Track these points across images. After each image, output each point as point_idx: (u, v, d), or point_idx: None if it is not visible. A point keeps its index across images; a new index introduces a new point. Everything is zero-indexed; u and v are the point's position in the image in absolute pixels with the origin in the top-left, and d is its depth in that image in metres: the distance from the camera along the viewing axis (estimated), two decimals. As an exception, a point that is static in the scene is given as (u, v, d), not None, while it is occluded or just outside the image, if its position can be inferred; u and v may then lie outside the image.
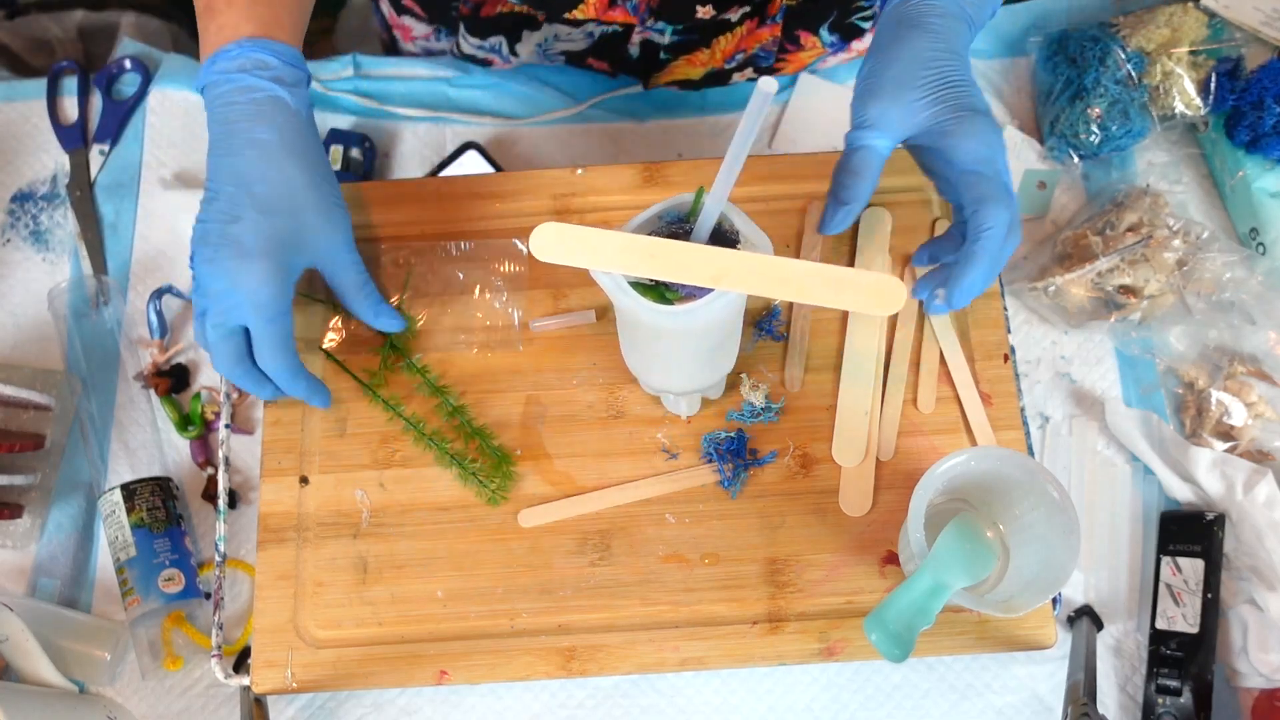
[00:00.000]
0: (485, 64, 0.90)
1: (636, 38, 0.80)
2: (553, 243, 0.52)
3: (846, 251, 0.74)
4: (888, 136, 0.61)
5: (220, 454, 0.73)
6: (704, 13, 0.73)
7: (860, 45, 0.82)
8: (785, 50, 0.80)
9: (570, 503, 0.68)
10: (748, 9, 0.74)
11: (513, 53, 0.85)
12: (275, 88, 0.62)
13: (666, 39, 0.78)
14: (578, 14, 0.74)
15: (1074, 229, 0.80)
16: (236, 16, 0.62)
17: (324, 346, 0.72)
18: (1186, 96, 0.81)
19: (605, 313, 0.72)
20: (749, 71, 0.87)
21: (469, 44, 0.87)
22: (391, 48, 0.99)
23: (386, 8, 0.93)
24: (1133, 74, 0.81)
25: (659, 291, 0.55)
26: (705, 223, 0.54)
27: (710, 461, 0.68)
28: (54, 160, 0.89)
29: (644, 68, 0.84)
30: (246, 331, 0.63)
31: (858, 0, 0.76)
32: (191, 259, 0.62)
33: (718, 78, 0.85)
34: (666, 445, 0.69)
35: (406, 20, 0.91)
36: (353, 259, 0.67)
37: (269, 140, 0.62)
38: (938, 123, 0.60)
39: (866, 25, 0.80)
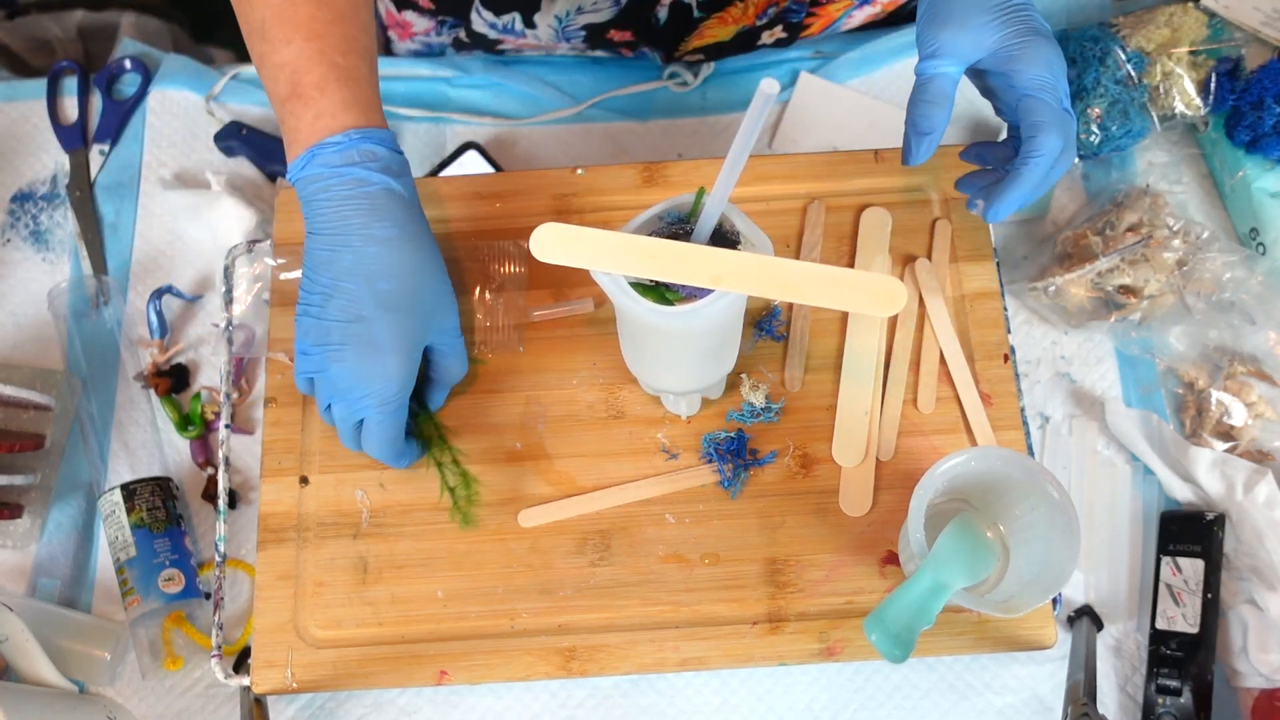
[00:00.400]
0: (494, 45, 0.89)
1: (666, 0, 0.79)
2: (553, 243, 0.52)
3: (847, 251, 0.74)
4: (958, 62, 0.62)
5: (220, 454, 0.73)
6: None
7: None
8: (816, 2, 0.80)
9: (570, 503, 0.68)
10: None
11: (529, 25, 0.84)
12: (388, 179, 0.61)
13: None
14: None
15: (1074, 229, 0.80)
16: (335, 105, 0.61)
17: None
18: (1186, 96, 0.81)
19: (603, 302, 0.72)
20: (779, 30, 0.86)
21: (482, 21, 0.85)
22: (384, 50, 0.99)
23: (383, 6, 0.92)
24: (1133, 74, 0.81)
25: (659, 292, 0.55)
26: (706, 223, 0.54)
27: (710, 462, 0.68)
28: (54, 160, 0.89)
29: (671, 34, 0.83)
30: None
31: None
32: (307, 349, 0.63)
33: (747, 39, 0.84)
34: (666, 445, 0.69)
35: (408, 15, 0.91)
36: (461, 345, 0.67)
37: (390, 236, 0.61)
38: (1004, 46, 0.61)
39: None
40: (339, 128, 0.60)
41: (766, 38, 0.87)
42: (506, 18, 0.84)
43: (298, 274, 0.74)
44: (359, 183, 0.61)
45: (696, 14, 0.80)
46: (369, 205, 0.61)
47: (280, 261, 0.74)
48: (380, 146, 0.62)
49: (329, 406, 0.64)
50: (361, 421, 0.64)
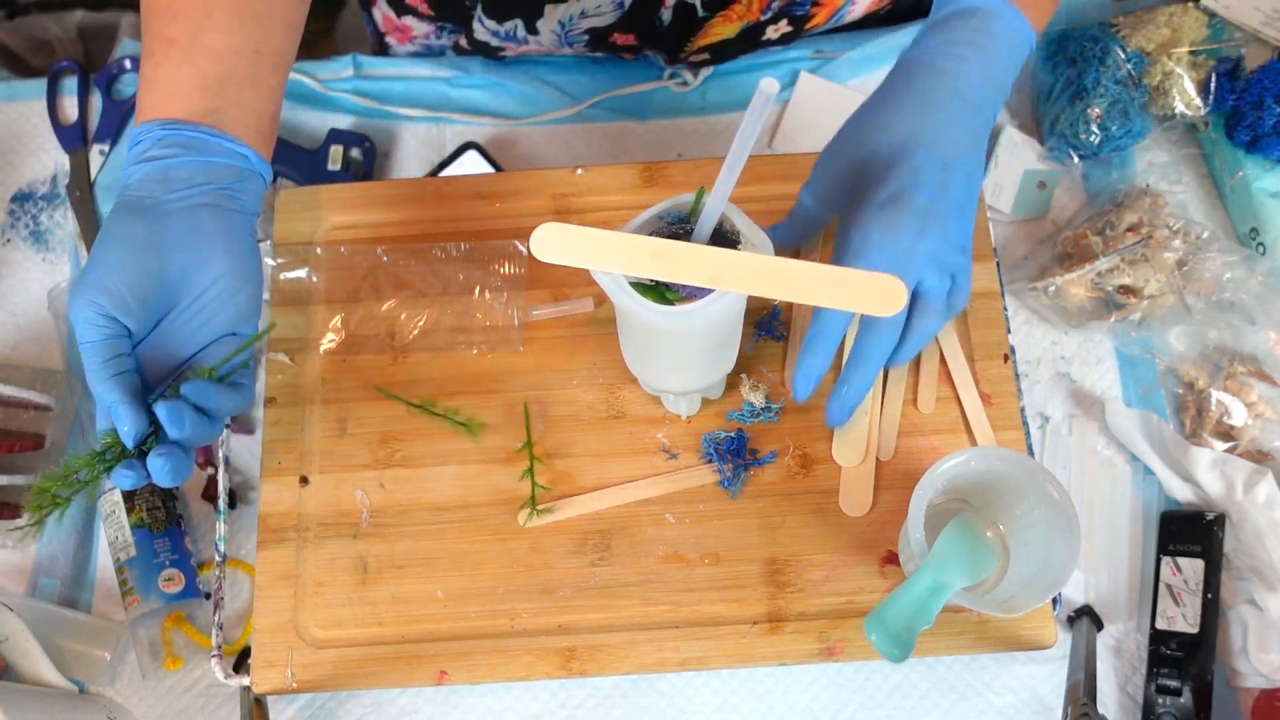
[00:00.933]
0: (496, 51, 0.89)
1: (671, 0, 0.79)
2: (553, 243, 0.52)
3: (846, 251, 0.74)
4: (813, 199, 0.65)
5: (220, 454, 0.73)
6: None
7: None
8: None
9: (571, 502, 0.68)
10: None
11: (532, 31, 0.83)
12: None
13: None
14: None
15: (1074, 229, 0.80)
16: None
17: (322, 349, 0.72)
18: (1186, 96, 0.81)
19: (603, 302, 0.72)
20: (783, 25, 0.86)
21: (484, 29, 0.85)
22: (382, 53, 0.98)
23: (381, 12, 0.92)
24: (1133, 74, 0.81)
25: (659, 292, 0.55)
26: (706, 223, 0.54)
27: (710, 461, 0.68)
28: (54, 160, 0.89)
29: (675, 35, 0.83)
30: None
31: None
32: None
33: (751, 35, 0.84)
34: (666, 445, 0.69)
35: (407, 20, 0.91)
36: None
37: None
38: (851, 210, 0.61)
39: None
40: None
41: (771, 33, 0.87)
42: (509, 25, 0.83)
43: (297, 274, 0.74)
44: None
45: (701, 13, 0.80)
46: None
47: (280, 261, 0.74)
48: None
49: None
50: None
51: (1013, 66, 0.62)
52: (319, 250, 0.74)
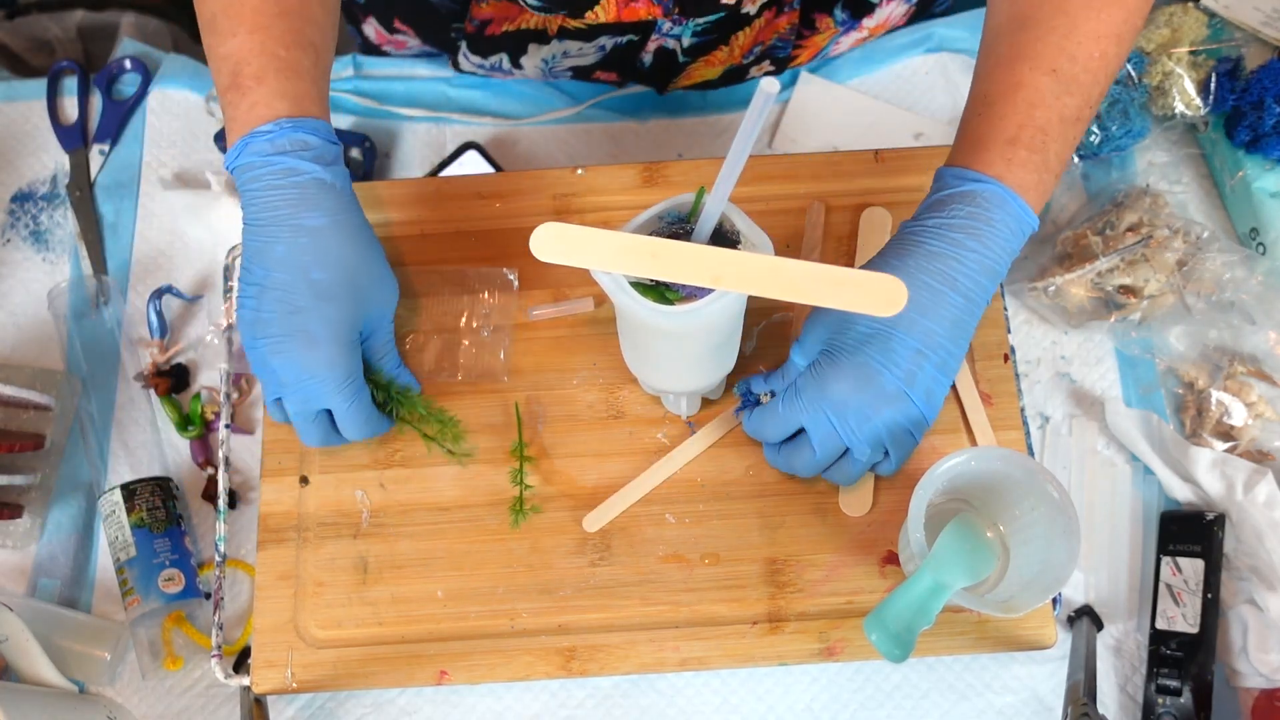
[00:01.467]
0: (484, 78, 0.90)
1: (651, 45, 0.79)
2: (553, 243, 0.52)
3: (846, 251, 0.74)
4: (803, 359, 0.64)
5: (220, 454, 0.73)
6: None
7: (871, 23, 0.82)
8: (801, 36, 0.80)
9: (625, 493, 0.68)
10: (765, 0, 0.74)
11: (516, 65, 0.84)
12: (318, 169, 0.62)
13: (685, 41, 0.77)
14: (598, 12, 0.73)
15: (1074, 229, 0.80)
16: (270, 94, 0.61)
17: None
18: (1186, 96, 0.81)
19: (603, 302, 0.72)
20: (766, 64, 0.86)
21: (469, 62, 0.86)
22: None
23: (372, 29, 0.92)
24: (1133, 74, 0.81)
25: (659, 292, 0.55)
26: (706, 223, 0.54)
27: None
28: (54, 160, 0.89)
29: (657, 76, 0.84)
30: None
31: None
32: (249, 344, 0.63)
33: (735, 74, 0.85)
34: (667, 445, 0.69)
35: (398, 37, 0.91)
36: (390, 324, 0.69)
37: (321, 225, 0.62)
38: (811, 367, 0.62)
39: (877, 1, 0.79)
40: (271, 116, 0.60)
41: (755, 72, 0.87)
42: (494, 58, 0.84)
43: None
44: (288, 172, 0.61)
45: (682, 59, 0.80)
46: (298, 195, 0.61)
47: None
48: (313, 136, 0.62)
49: (278, 400, 0.64)
50: (324, 412, 0.64)
51: (1010, 253, 0.60)
52: None
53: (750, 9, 0.74)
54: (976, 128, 0.62)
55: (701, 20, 0.76)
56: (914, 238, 0.60)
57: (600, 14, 0.73)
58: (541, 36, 0.80)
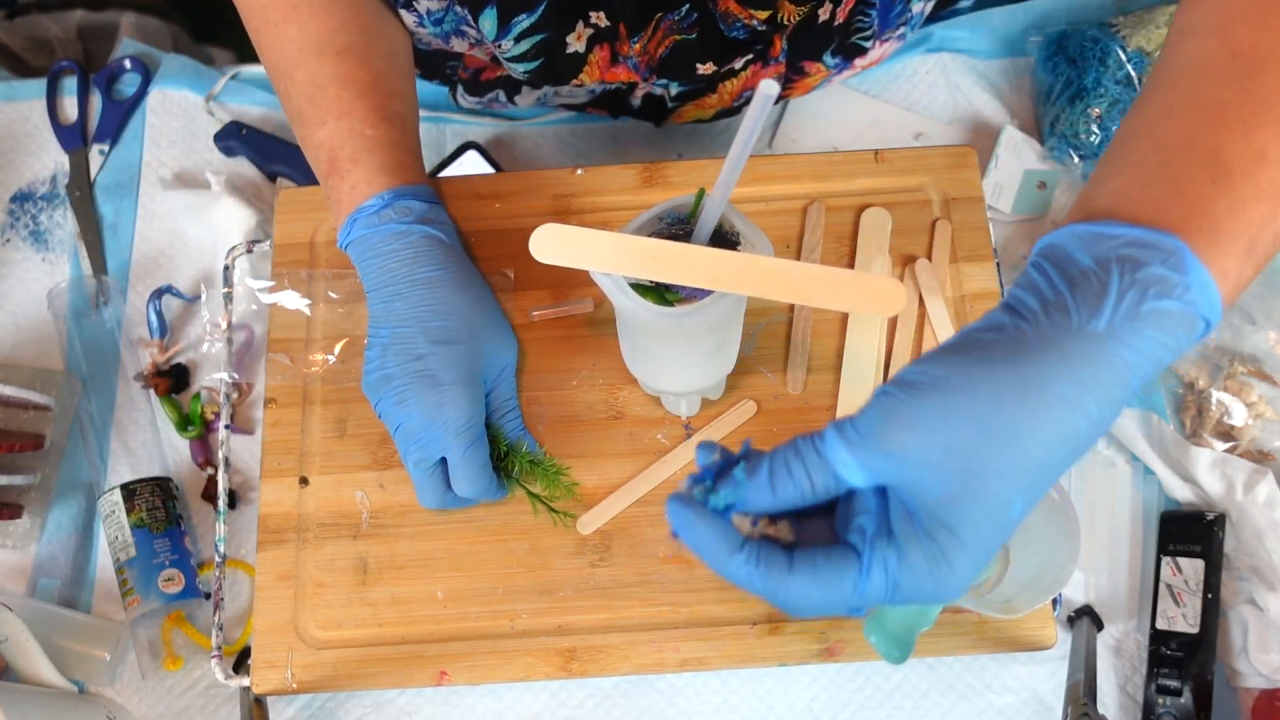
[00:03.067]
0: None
1: (639, 92, 0.79)
2: (553, 243, 0.52)
3: (847, 252, 0.74)
4: (858, 472, 0.41)
5: (220, 454, 0.73)
6: (705, 69, 0.73)
7: (862, 61, 0.82)
8: (790, 80, 0.80)
9: (621, 494, 0.68)
10: (750, 56, 0.74)
11: (512, 103, 0.85)
12: (426, 228, 0.65)
13: (674, 90, 0.78)
14: (583, 78, 0.74)
15: (1074, 229, 0.80)
16: (368, 172, 0.64)
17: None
18: (1187, 96, 0.80)
19: (603, 302, 0.72)
20: None
21: (466, 101, 0.87)
22: None
23: None
24: (1133, 74, 0.80)
25: (659, 293, 0.55)
26: (706, 224, 0.54)
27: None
28: (54, 160, 0.89)
29: (649, 114, 0.84)
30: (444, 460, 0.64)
31: (857, 21, 0.76)
32: (378, 404, 0.64)
33: (725, 115, 0.85)
34: (667, 446, 0.69)
35: None
36: (513, 380, 0.69)
37: (436, 277, 0.64)
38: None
39: (868, 44, 0.79)
40: (372, 193, 0.64)
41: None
42: (490, 95, 0.84)
43: (284, 296, 0.73)
44: (398, 235, 0.64)
45: (670, 104, 0.80)
46: (411, 252, 0.64)
47: (266, 285, 0.73)
48: (415, 201, 0.65)
49: (407, 455, 0.64)
50: (440, 463, 0.64)
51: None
52: (303, 274, 0.74)
53: (736, 64, 0.74)
54: (1206, 194, 0.43)
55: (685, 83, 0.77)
56: (1089, 352, 0.40)
57: (585, 79, 0.74)
58: (534, 82, 0.81)
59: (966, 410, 0.39)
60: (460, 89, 0.86)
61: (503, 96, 0.84)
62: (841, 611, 0.41)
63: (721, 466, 0.43)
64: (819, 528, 0.43)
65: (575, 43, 0.70)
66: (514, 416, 0.68)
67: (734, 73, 0.75)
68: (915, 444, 0.40)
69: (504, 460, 0.67)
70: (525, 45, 0.69)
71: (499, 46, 0.69)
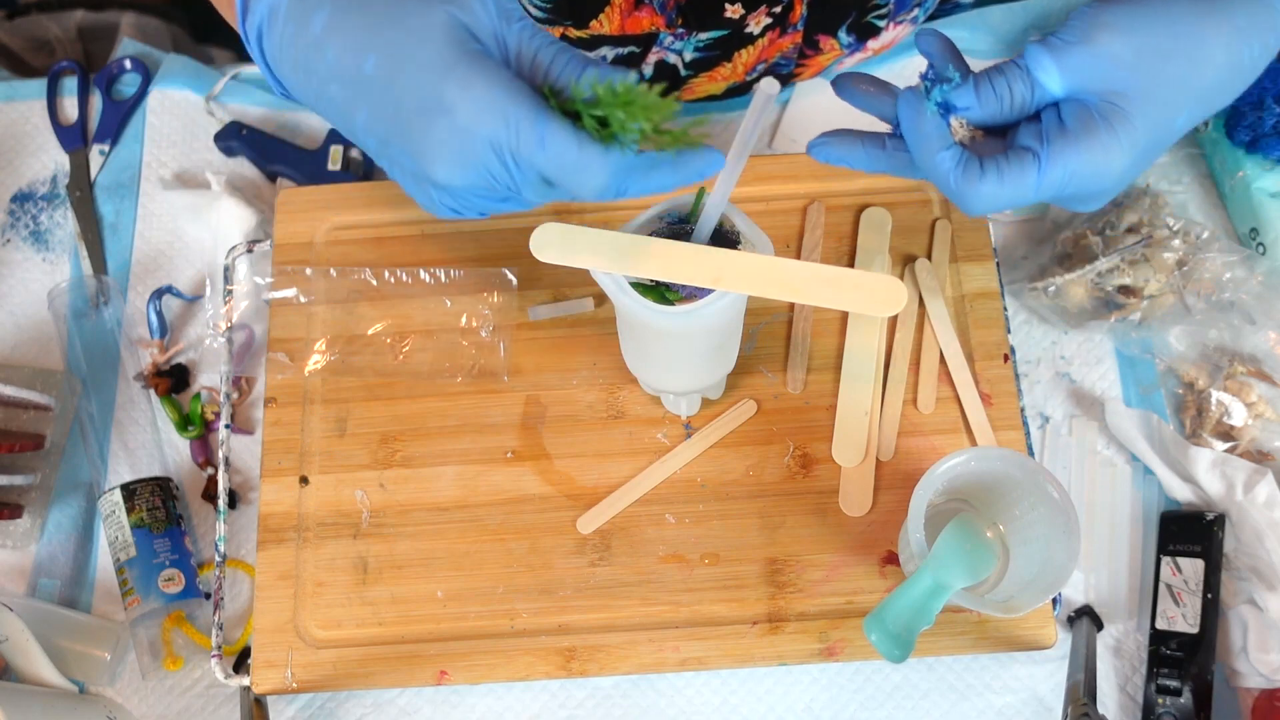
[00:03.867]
0: None
1: (652, 58, 0.79)
2: (553, 243, 0.52)
3: (847, 252, 0.74)
4: (1056, 76, 0.47)
5: (220, 454, 0.73)
6: (733, 11, 0.71)
7: (876, 44, 0.82)
8: (804, 55, 0.80)
9: (620, 494, 0.68)
10: (769, 20, 0.74)
11: None
12: None
13: (687, 56, 0.77)
14: (602, 21, 0.72)
15: (1074, 229, 0.80)
16: None
17: (307, 371, 0.72)
18: (1186, 96, 0.81)
19: (603, 302, 0.72)
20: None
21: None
22: None
23: None
24: (1133, 74, 0.81)
25: (659, 292, 0.55)
26: (706, 223, 0.54)
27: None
28: (54, 160, 0.89)
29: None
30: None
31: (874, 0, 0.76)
32: (387, 165, 0.50)
33: (737, 91, 0.85)
34: (667, 445, 0.69)
35: None
36: (524, 20, 0.50)
37: (323, 29, 0.46)
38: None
39: (882, 24, 0.79)
40: None
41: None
42: None
43: (286, 293, 0.73)
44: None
45: (684, 73, 0.80)
46: (293, 28, 0.48)
47: (269, 280, 0.74)
48: None
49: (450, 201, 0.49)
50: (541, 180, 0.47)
51: None
52: (308, 271, 0.74)
53: (754, 28, 0.74)
54: None
55: (704, 36, 0.76)
56: None
57: (604, 23, 0.72)
58: (551, 21, 0.80)
59: (1163, 19, 0.46)
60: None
61: None
62: (1025, 203, 0.48)
63: (936, 71, 0.49)
64: (993, 147, 0.50)
65: None
66: (561, 53, 0.48)
67: (751, 38, 0.75)
68: (1114, 42, 0.46)
69: (586, 118, 0.46)
70: None
71: None
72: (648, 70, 0.81)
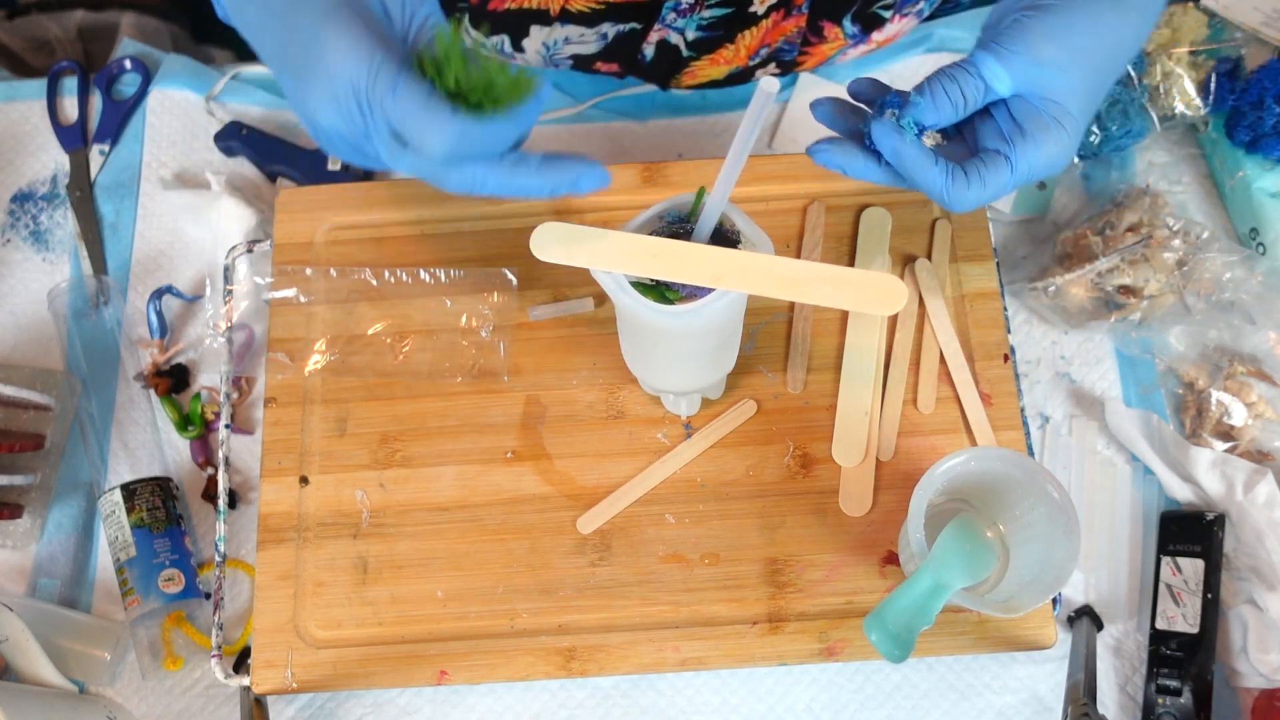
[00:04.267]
0: None
1: (654, 37, 0.79)
2: (553, 242, 0.52)
3: (846, 251, 0.74)
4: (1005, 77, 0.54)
5: (220, 454, 0.73)
6: None
7: (880, 36, 0.82)
8: (808, 42, 0.80)
9: (620, 494, 0.68)
10: (774, 0, 0.74)
11: (518, 49, 0.84)
12: None
13: (690, 35, 0.77)
14: None
15: (1074, 229, 0.80)
16: None
17: (307, 371, 0.72)
18: (1186, 96, 0.81)
19: (603, 302, 0.72)
20: (772, 67, 0.86)
21: (468, 38, 0.86)
22: None
23: None
24: (1132, 74, 0.81)
25: (660, 291, 0.55)
26: (706, 223, 0.54)
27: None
28: (54, 160, 0.89)
29: (659, 71, 0.84)
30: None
31: None
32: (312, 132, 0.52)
33: (739, 78, 0.85)
34: (667, 445, 0.69)
35: None
36: None
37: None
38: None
39: (887, 15, 0.79)
40: None
41: (760, 74, 0.87)
42: (495, 39, 0.84)
43: (286, 293, 0.73)
44: None
45: (685, 53, 0.80)
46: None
47: (269, 280, 0.74)
48: None
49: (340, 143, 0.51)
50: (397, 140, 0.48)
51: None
52: (308, 271, 0.74)
53: (758, 7, 0.74)
54: None
55: (708, 13, 0.76)
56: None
57: None
58: (544, 17, 0.80)
59: (1091, 25, 0.53)
60: (465, 23, 0.83)
61: (507, 44, 0.83)
62: (1001, 196, 0.55)
63: (896, 98, 0.54)
64: (958, 150, 0.57)
65: None
66: (434, 18, 0.51)
67: (755, 19, 0.75)
68: (1052, 50, 0.53)
69: (427, 64, 0.47)
70: None
71: None
72: (650, 49, 0.81)
